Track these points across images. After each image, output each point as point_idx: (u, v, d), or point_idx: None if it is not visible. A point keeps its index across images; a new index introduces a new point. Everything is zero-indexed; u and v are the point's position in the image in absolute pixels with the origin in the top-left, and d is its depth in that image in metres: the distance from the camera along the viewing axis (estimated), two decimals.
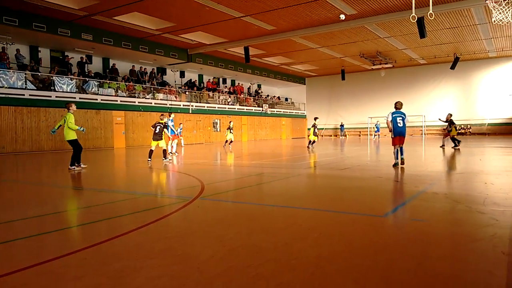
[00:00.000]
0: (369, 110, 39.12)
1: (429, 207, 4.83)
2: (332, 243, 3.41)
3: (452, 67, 30.82)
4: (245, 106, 35.83)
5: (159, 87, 27.78)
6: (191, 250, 3.34)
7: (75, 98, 21.65)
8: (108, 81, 24.44)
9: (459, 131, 34.43)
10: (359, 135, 41.00)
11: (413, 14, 13.72)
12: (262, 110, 37.55)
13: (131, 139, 25.03)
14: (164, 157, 12.68)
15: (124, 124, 24.54)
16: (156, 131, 12.70)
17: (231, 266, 2.90)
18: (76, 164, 10.33)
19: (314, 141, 19.34)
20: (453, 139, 16.67)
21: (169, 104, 27.69)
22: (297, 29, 23.00)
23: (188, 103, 29.38)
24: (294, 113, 42.86)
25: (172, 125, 16.02)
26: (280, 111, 40.71)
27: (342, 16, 19.89)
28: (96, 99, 23.04)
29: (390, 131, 9.20)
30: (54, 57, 23.85)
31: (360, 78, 39.97)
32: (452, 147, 16.58)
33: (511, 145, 17.41)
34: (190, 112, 29.35)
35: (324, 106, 42.97)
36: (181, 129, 20.78)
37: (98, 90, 23.43)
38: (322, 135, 42.90)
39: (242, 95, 36.82)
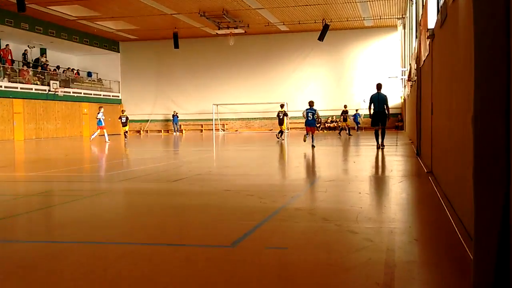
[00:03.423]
0: (215, 94, 40.70)
1: (289, 228, 5.23)
2: None
3: (320, 38, 34.16)
4: (20, 83, 33.24)
5: None
6: None
7: None
8: None
9: (330, 125, 38.53)
10: (201, 130, 42.20)
11: None
12: (50, 91, 35.45)
13: None
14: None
15: None
16: None
17: None
18: None
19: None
20: (281, 132, 25.11)
21: None
22: None
23: None
24: (102, 97, 41.80)
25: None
26: (80, 93, 39.17)
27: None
28: None
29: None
30: None
31: (201, 47, 41.26)
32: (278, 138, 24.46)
33: (394, 143, 20.22)
34: None
35: (150, 86, 42.97)
36: None
37: None
38: (147, 131, 42.89)
39: (12, 64, 34.13)
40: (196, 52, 41.42)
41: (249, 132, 40.19)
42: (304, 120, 18.33)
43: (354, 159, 13.67)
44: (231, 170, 11.56)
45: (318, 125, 34.71)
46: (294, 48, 39.92)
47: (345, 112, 31.30)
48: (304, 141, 18.80)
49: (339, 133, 31.34)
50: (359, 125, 35.08)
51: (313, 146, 17.67)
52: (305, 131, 18.89)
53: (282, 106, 26.17)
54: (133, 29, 37.12)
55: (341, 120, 31.95)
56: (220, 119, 40.98)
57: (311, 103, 18.46)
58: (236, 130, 41.21)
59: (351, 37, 38.83)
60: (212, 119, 40.45)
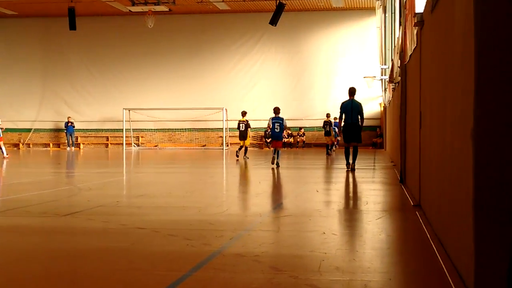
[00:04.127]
0: (127, 96, 40.46)
1: (227, 281, 5.18)
2: None
3: (273, 22, 34.28)
4: None
5: None
6: None
7: None
8: None
9: (286, 141, 38.73)
10: (107, 145, 41.72)
11: None
12: None
13: None
14: None
15: None
16: None
17: None
18: None
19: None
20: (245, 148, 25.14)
21: None
22: None
23: None
24: None
25: None
26: None
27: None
28: None
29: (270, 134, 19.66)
30: None
31: (108, 29, 41.09)
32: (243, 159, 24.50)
33: (371, 165, 20.54)
34: None
35: (34, 82, 42.32)
36: None
37: None
38: (29, 144, 42.09)
39: None
40: (101, 36, 41.17)
41: (173, 148, 39.96)
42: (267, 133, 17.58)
43: (317, 187, 13.76)
44: (147, 200, 11.37)
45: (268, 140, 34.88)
46: (237, 35, 40.16)
47: (328, 124, 29.53)
48: (272, 163, 19.32)
49: (329, 151, 28.99)
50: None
51: (277, 165, 19.18)
52: (271, 147, 19.99)
53: (244, 114, 26.03)
54: (10, 1, 36.52)
55: (325, 134, 29.64)
56: (133, 129, 40.55)
57: (276, 110, 19.81)
58: (156, 145, 40.96)
59: (314, 22, 39.29)
60: (122, 130, 39.93)
